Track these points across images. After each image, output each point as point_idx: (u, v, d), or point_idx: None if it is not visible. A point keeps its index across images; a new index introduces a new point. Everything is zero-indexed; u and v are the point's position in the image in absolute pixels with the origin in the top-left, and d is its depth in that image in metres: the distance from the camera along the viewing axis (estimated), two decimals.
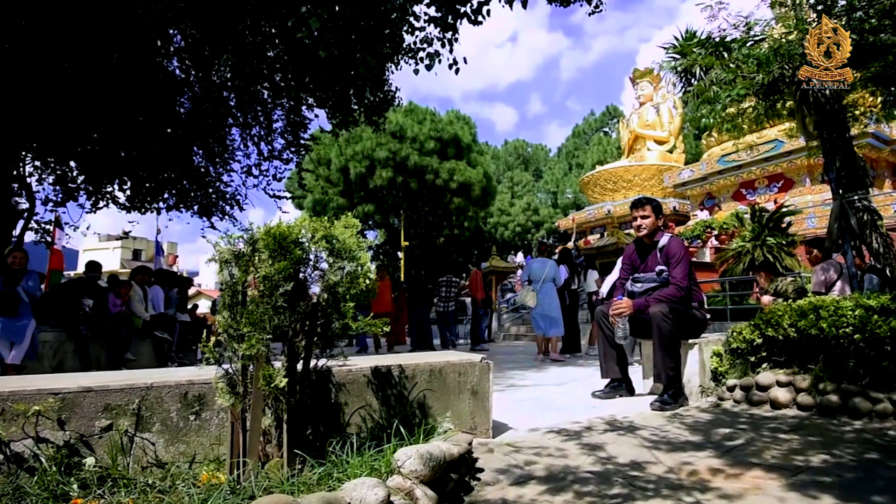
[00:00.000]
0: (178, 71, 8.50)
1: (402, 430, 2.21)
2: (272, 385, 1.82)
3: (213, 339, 2.02)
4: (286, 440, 1.94)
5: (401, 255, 27.74)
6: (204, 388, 2.21)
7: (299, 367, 2.06)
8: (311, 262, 1.95)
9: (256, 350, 1.82)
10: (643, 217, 4.25)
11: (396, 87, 9.99)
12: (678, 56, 4.71)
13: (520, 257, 24.52)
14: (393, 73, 9.76)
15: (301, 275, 1.93)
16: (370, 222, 35.37)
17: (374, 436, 2.34)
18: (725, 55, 4.65)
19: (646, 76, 30.48)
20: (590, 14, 8.96)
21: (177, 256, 52.14)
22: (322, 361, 2.19)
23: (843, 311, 3.41)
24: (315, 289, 2.08)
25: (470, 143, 33.43)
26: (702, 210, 20.45)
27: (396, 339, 13.37)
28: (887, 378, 3.25)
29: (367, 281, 2.07)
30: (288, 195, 9.78)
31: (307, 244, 1.92)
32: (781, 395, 3.53)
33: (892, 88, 5.56)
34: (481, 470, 2.33)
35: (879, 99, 5.97)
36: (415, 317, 12.26)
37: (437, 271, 23.78)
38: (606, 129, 49.76)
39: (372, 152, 30.51)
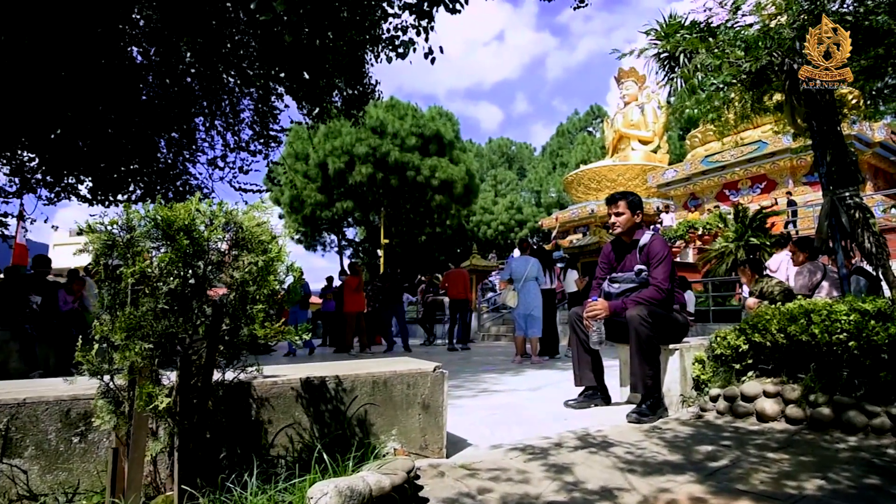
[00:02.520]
0: (139, 56, 8.04)
1: (325, 456, 1.86)
2: (152, 406, 1.46)
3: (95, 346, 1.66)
4: (177, 472, 1.59)
5: (380, 252, 27.29)
6: (91, 404, 1.84)
7: (205, 380, 1.71)
8: (210, 255, 1.59)
9: (132, 362, 1.46)
10: (617, 214, 3.93)
11: (376, 81, 9.60)
12: (661, 41, 4.41)
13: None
14: (372, 65, 9.37)
15: (196, 270, 1.57)
16: (349, 219, 34.86)
17: (300, 460, 2.00)
18: (710, 40, 4.35)
19: (631, 76, 30.39)
20: (574, 8, 8.68)
21: None
22: (231, 374, 1.83)
23: (836, 315, 3.11)
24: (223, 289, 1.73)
25: (452, 139, 33.10)
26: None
27: (371, 340, 13.01)
28: (884, 390, 2.95)
29: (284, 278, 1.72)
30: (265, 190, 9.32)
31: (204, 232, 1.56)
32: (769, 406, 3.23)
33: (879, 85, 5.31)
34: (425, 501, 1.98)
35: (863, 101, 5.72)
36: (388, 317, 11.92)
37: (414, 269, 23.46)
38: (591, 129, 49.72)
39: (351, 147, 30.06)
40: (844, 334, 3.05)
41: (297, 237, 36.36)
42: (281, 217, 35.75)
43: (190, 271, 1.56)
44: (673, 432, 3.14)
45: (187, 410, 1.62)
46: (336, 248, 38.39)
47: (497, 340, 15.29)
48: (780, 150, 18.50)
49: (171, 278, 1.47)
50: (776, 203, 17.11)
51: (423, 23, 7.62)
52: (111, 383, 1.64)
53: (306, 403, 2.21)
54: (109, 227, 1.50)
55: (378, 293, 12.07)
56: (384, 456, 2.12)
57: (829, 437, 2.94)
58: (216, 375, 1.78)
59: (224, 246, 1.64)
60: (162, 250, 1.52)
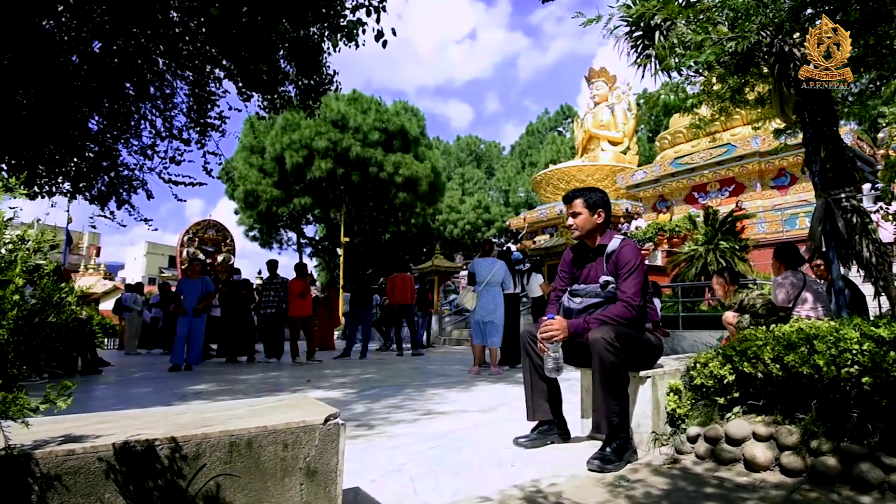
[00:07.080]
0: (57, 33, 7.12)
1: None
2: None
3: None
4: None
5: (340, 251, 26.38)
6: None
7: None
8: None
9: None
10: (574, 215, 3.26)
11: (334, 71, 8.85)
12: (633, 7, 3.80)
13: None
14: (330, 54, 8.62)
15: None
16: (308, 216, 33.78)
17: None
18: (691, 15, 3.76)
19: (601, 76, 30.13)
20: (543, 1, 8.12)
21: (99, 248, 49.04)
22: None
23: (846, 344, 2.51)
24: None
25: (418, 135, 32.34)
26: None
27: (323, 345, 12.27)
28: None
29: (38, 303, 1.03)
30: (199, 183, 8.41)
31: None
32: (760, 453, 2.63)
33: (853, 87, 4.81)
34: None
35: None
36: (353, 321, 11.21)
37: (383, 270, 22.70)
38: (561, 129, 49.46)
39: (310, 141, 29.06)
40: (856, 367, 2.47)
41: (252, 234, 35.16)
42: (236, 213, 34.53)
43: None
44: (644, 487, 2.52)
45: None
46: (294, 246, 37.28)
47: (458, 345, 14.68)
48: (749, 154, 18.29)
49: None
50: (741, 207, 16.82)
51: (374, 2, 6.93)
52: None
53: (123, 480, 1.51)
54: None
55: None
56: None
57: (836, 495, 2.35)
58: None
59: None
60: None
